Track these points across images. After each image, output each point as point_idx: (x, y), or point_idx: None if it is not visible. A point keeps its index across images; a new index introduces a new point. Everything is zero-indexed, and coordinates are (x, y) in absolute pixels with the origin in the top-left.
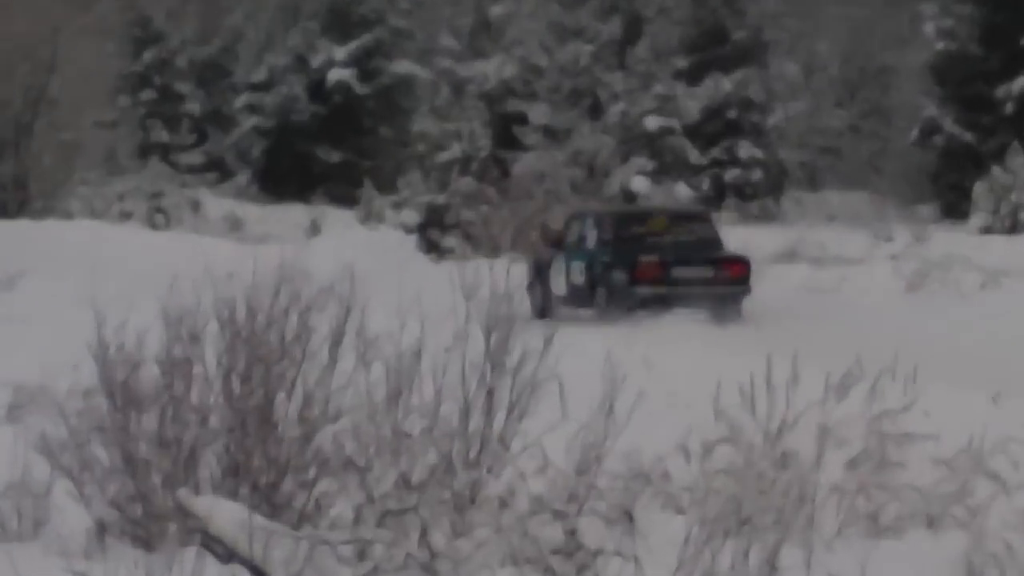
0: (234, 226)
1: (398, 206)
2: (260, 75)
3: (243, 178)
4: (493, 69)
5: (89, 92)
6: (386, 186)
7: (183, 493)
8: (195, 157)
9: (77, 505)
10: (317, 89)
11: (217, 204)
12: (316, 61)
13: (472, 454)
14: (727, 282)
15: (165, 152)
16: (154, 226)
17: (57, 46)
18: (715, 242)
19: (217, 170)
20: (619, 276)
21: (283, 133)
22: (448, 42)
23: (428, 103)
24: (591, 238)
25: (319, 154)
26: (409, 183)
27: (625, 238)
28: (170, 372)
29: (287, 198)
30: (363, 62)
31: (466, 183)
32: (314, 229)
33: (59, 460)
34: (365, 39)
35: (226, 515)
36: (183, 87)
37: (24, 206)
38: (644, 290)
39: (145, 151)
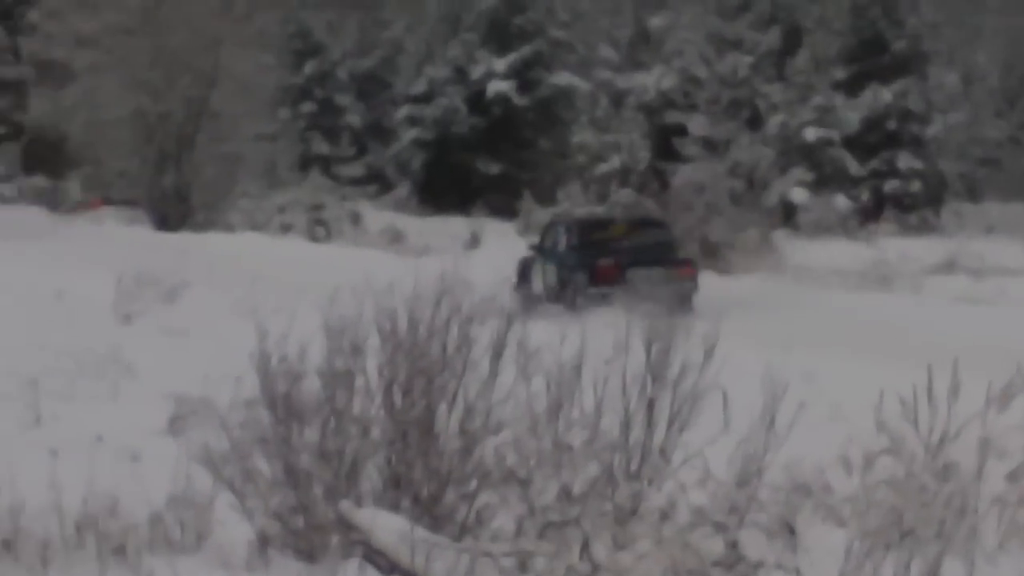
0: (394, 238)
1: None
2: (420, 87)
3: (403, 190)
4: (652, 80)
5: (249, 105)
6: (545, 198)
7: (345, 505)
8: (355, 169)
9: (239, 517)
10: (477, 101)
11: (377, 216)
12: (476, 73)
13: (633, 466)
14: (677, 281)
15: (325, 164)
16: (314, 238)
17: (218, 58)
18: (668, 246)
19: (377, 182)
20: (581, 277)
21: (443, 145)
22: (607, 53)
23: (587, 115)
24: (562, 243)
25: (478, 166)
26: (568, 195)
27: (588, 243)
28: (332, 384)
29: (447, 210)
30: (522, 74)
31: (625, 194)
32: (473, 241)
33: (221, 472)
34: (524, 51)
35: (388, 527)
36: (343, 99)
37: (186, 219)
38: (602, 289)
39: (305, 163)
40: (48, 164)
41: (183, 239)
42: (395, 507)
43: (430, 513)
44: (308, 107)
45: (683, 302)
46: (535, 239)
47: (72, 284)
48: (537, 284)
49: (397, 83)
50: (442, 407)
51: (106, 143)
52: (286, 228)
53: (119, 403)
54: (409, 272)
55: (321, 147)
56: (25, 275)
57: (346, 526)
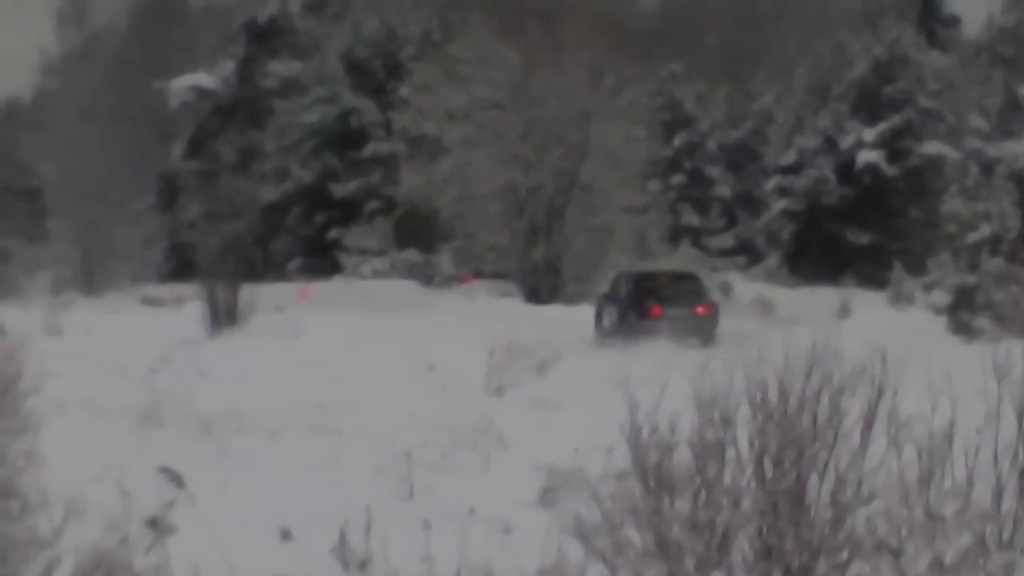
0: (764, 309)
1: (928, 287)
2: (790, 158)
3: (773, 261)
4: (1022, 149)
5: (619, 177)
6: (915, 267)
7: None
8: (725, 240)
9: None
10: (846, 171)
11: (747, 287)
12: (845, 143)
13: (1005, 535)
14: (702, 318)
15: (695, 236)
16: None
17: (588, 131)
18: (699, 292)
19: (747, 253)
20: (633, 315)
21: (812, 215)
22: (977, 122)
23: (957, 184)
24: (623, 290)
25: (848, 236)
26: (939, 264)
27: (640, 290)
28: (703, 455)
29: (816, 280)
30: (892, 143)
31: (996, 264)
32: (844, 311)
33: (593, 543)
34: (894, 120)
35: None
36: (713, 171)
37: (557, 291)
38: (648, 323)
39: (675, 235)
40: (420, 238)
41: (554, 312)
42: None
43: None
44: (678, 179)
45: (707, 333)
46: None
47: (444, 357)
48: (606, 321)
49: (767, 154)
50: (813, 477)
51: (477, 217)
52: None
53: (491, 475)
54: (779, 342)
55: (691, 218)
56: (399, 348)
57: None
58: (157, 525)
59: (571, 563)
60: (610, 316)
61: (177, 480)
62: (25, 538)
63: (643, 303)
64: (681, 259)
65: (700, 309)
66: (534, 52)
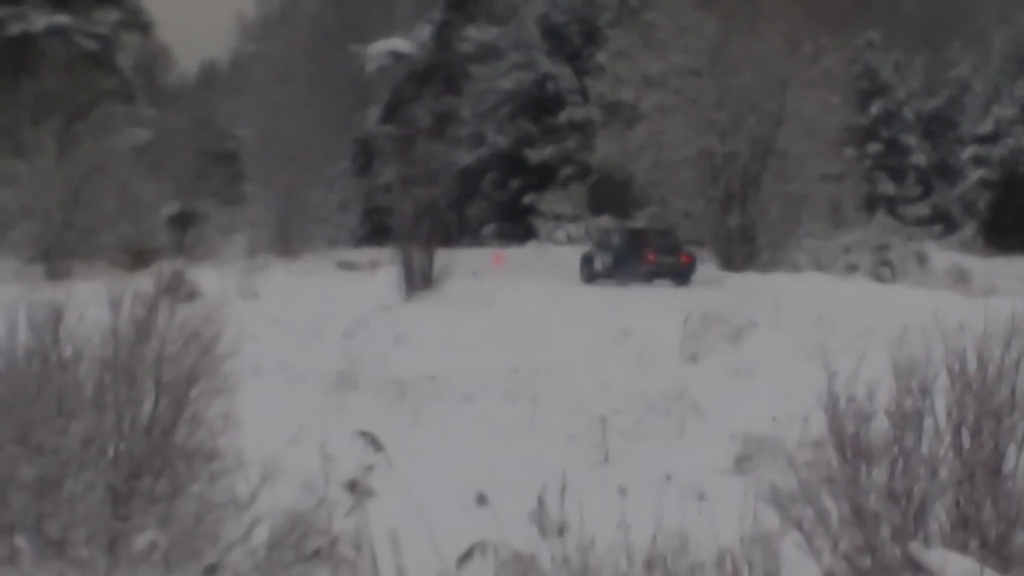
0: (960, 278)
1: None
2: (986, 127)
3: (969, 230)
4: None
5: (815, 144)
6: None
7: (914, 546)
8: (921, 209)
9: (807, 557)
10: None
11: (942, 256)
12: None
13: None
14: (683, 264)
15: (891, 204)
16: (879, 279)
17: (785, 98)
18: (677, 245)
19: (943, 222)
20: (632, 260)
21: (1009, 185)
22: None
23: None
24: (617, 241)
25: None
26: None
27: (637, 241)
28: (900, 425)
29: (1013, 250)
30: None
31: None
32: None
33: (788, 512)
34: None
35: (957, 569)
36: (909, 139)
37: (751, 258)
38: (645, 267)
39: (871, 203)
40: (614, 204)
41: (748, 279)
42: (963, 548)
43: (998, 554)
44: (874, 147)
45: (686, 276)
46: (592, 242)
47: (638, 324)
48: (598, 265)
49: (963, 123)
50: (1011, 448)
51: (671, 183)
52: (851, 268)
53: (685, 442)
54: (977, 312)
55: (887, 187)
56: (593, 315)
57: (915, 567)
58: (356, 488)
59: (766, 531)
60: (604, 261)
61: (376, 444)
62: (223, 499)
63: (642, 251)
64: (876, 228)
65: (684, 258)
66: (731, 19)
